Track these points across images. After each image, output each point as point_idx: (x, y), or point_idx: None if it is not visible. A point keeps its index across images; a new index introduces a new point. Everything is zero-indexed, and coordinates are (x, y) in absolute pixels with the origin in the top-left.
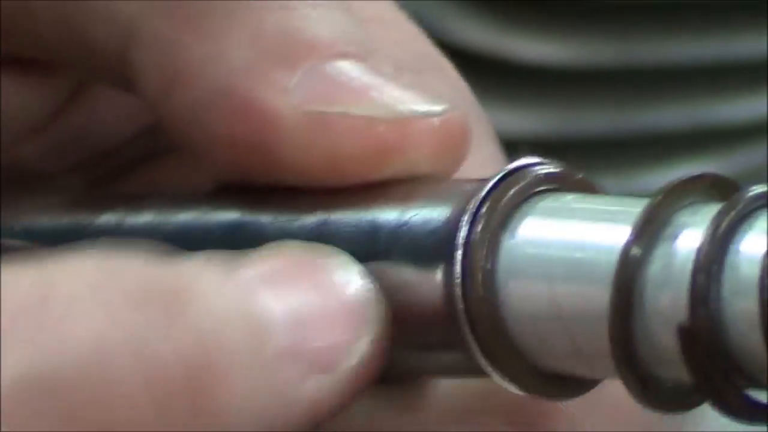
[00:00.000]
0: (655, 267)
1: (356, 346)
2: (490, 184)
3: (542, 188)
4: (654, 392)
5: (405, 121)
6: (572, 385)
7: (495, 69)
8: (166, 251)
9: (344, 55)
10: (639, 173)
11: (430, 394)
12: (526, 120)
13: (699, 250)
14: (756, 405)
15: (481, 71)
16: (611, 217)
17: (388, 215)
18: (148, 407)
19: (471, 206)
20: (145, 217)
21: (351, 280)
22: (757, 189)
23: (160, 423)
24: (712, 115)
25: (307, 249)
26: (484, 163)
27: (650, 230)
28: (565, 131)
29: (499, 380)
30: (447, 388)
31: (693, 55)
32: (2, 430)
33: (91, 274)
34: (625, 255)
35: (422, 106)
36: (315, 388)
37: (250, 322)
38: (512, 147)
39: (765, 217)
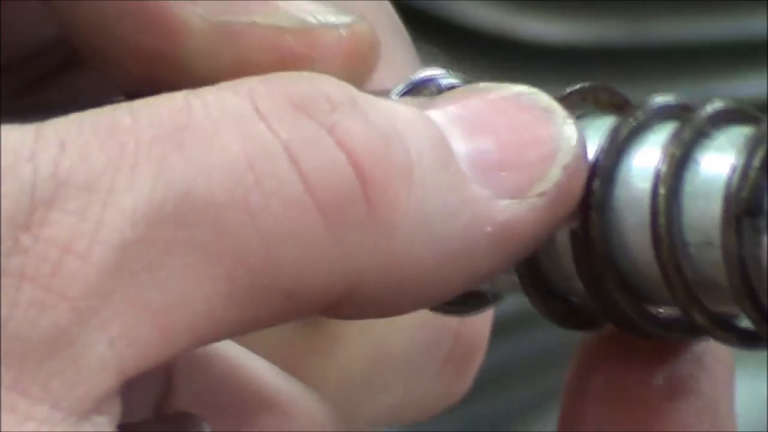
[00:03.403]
0: None
1: (549, 172)
2: (393, 95)
3: None
4: (559, 309)
5: (312, 31)
6: (472, 301)
7: (502, 48)
8: None
9: None
10: None
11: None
12: None
13: (596, 158)
14: (650, 319)
15: (489, 50)
16: None
17: None
18: (313, 213)
19: None
20: None
21: (543, 107)
22: (657, 100)
23: (331, 229)
24: (719, 93)
25: (495, 86)
26: (397, 73)
27: None
28: None
29: None
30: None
31: (700, 34)
32: (131, 263)
33: (240, 93)
34: None
35: (330, 17)
36: (507, 210)
37: (432, 131)
38: None
39: (662, 129)
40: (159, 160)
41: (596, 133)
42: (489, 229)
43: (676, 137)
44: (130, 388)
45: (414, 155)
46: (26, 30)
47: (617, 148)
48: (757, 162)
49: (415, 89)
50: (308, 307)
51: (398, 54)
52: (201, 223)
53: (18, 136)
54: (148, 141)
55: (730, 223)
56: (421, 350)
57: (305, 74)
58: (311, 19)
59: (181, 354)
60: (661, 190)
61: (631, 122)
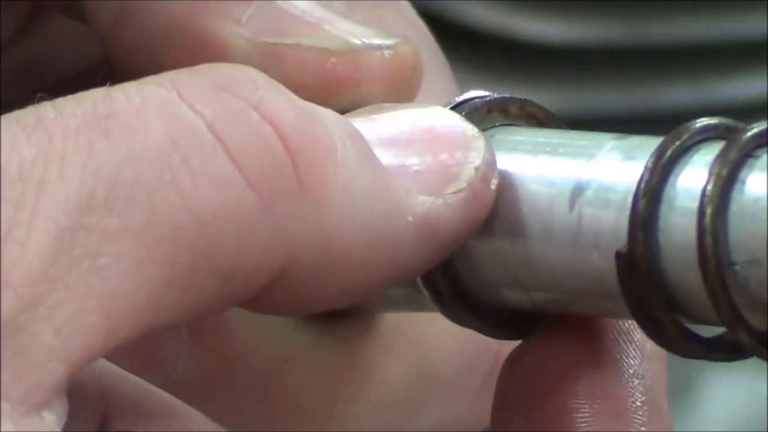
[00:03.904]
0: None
1: (462, 173)
2: None
3: (493, 124)
4: (491, 320)
5: (356, 53)
6: (514, 323)
7: (503, 48)
8: None
9: None
10: None
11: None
12: (534, 99)
13: (641, 178)
14: (693, 338)
15: (489, 50)
16: (554, 150)
17: None
18: (245, 189)
19: None
20: None
21: (452, 121)
22: (702, 121)
23: (264, 204)
24: (719, 93)
25: (404, 105)
26: (437, 97)
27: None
28: (572, 109)
29: (441, 313)
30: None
31: (700, 34)
32: (70, 251)
33: (162, 83)
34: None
35: (374, 40)
36: (425, 204)
37: (351, 127)
38: None
39: (707, 150)
40: (86, 148)
41: (514, 146)
42: (410, 218)
43: (721, 157)
44: (72, 416)
45: (337, 139)
46: (71, 53)
47: (663, 168)
48: None
49: (459, 108)
50: (245, 288)
51: (438, 78)
52: (133, 209)
53: None
54: (74, 131)
55: None
56: (460, 371)
57: (228, 63)
58: (356, 41)
59: (125, 343)
60: (708, 210)
61: (676, 143)
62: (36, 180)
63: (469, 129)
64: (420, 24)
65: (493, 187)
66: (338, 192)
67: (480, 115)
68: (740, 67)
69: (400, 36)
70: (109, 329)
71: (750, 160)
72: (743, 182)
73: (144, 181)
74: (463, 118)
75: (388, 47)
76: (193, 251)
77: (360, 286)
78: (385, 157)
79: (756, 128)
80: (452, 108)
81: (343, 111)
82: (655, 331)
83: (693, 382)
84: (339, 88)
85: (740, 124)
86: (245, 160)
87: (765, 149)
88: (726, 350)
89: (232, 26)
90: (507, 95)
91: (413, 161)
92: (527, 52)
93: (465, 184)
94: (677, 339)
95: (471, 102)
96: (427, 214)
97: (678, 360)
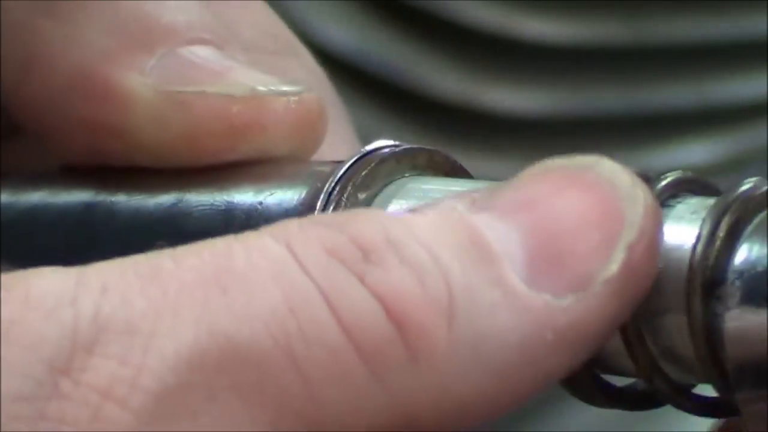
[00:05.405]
0: None
1: (613, 255)
2: (345, 166)
3: (399, 174)
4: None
5: (261, 99)
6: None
7: (503, 47)
8: None
9: (200, 41)
10: (647, 151)
11: None
12: (535, 99)
13: None
14: (607, 389)
15: (489, 50)
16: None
17: (243, 195)
18: (355, 359)
19: (326, 187)
20: None
21: (607, 180)
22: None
23: (374, 374)
24: (719, 93)
25: (560, 163)
26: (340, 147)
27: None
28: (572, 110)
29: None
30: None
31: (700, 34)
32: (171, 410)
33: (279, 239)
34: None
35: (279, 86)
36: (569, 310)
37: (478, 250)
38: (521, 126)
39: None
40: (201, 304)
41: (424, 195)
42: (550, 336)
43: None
44: None
45: (457, 279)
46: None
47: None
48: (722, 231)
49: (368, 158)
50: None
51: (340, 128)
52: (244, 369)
53: (59, 278)
54: (190, 285)
55: (695, 292)
56: None
57: (340, 217)
58: (261, 88)
59: None
60: None
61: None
62: (145, 334)
63: (626, 188)
64: (321, 73)
65: (654, 258)
66: (456, 348)
67: (390, 165)
68: (740, 67)
69: (303, 83)
70: None
71: (663, 210)
72: None
73: (259, 343)
74: (620, 171)
75: (294, 93)
76: (299, 416)
77: (496, 412)
78: (525, 258)
79: (670, 178)
80: (360, 158)
81: (248, 159)
82: (569, 381)
83: None
84: (244, 135)
85: (653, 174)
86: (355, 331)
87: (677, 199)
88: (635, 400)
89: (136, 75)
90: (416, 146)
91: (558, 252)
92: (527, 51)
93: (617, 269)
94: (590, 389)
95: (380, 152)
96: (571, 324)
97: None
